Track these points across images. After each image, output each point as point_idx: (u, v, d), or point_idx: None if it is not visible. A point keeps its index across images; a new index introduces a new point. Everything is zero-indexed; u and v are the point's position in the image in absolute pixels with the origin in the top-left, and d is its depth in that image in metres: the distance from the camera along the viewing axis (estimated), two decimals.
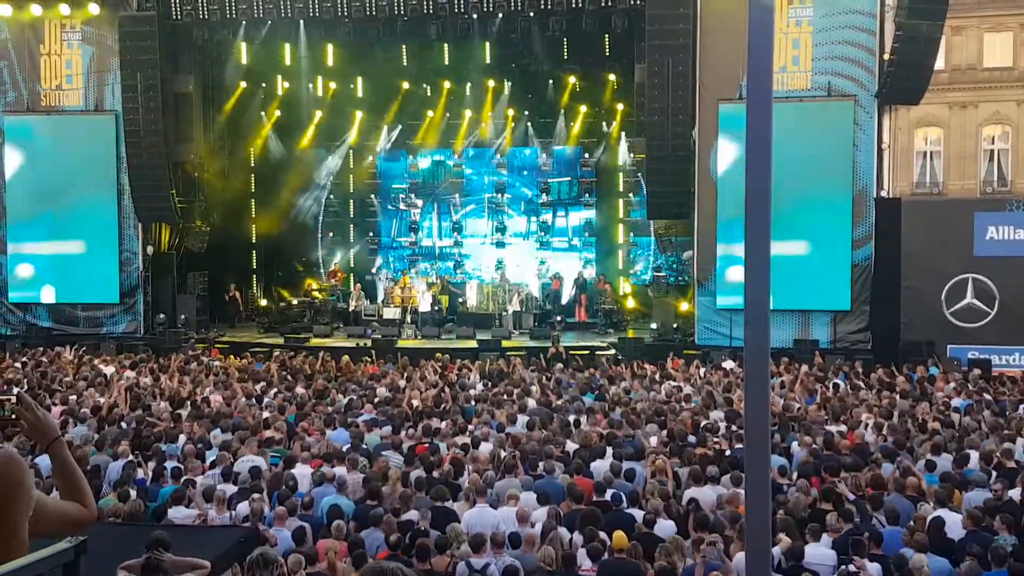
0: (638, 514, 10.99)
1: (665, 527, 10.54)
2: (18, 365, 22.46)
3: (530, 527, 10.55)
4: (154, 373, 21.23)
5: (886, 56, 24.51)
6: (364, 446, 14.06)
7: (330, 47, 29.59)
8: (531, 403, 17.44)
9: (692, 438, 14.55)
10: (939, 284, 24.55)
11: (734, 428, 14.85)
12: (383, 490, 11.56)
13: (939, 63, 27.17)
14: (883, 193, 25.80)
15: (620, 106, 31.48)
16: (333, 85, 32.62)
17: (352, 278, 34.07)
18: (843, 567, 9.28)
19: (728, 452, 13.52)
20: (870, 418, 15.76)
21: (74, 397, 17.84)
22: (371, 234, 35.39)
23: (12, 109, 28.25)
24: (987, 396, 18.15)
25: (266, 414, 16.38)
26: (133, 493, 11.36)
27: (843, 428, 15.16)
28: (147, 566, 7.36)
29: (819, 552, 9.65)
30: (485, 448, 13.88)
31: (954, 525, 10.34)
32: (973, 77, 39.48)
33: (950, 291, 24.51)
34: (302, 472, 12.55)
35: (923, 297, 24.55)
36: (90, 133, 27.96)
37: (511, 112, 33.37)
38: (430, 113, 33.68)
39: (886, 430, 14.87)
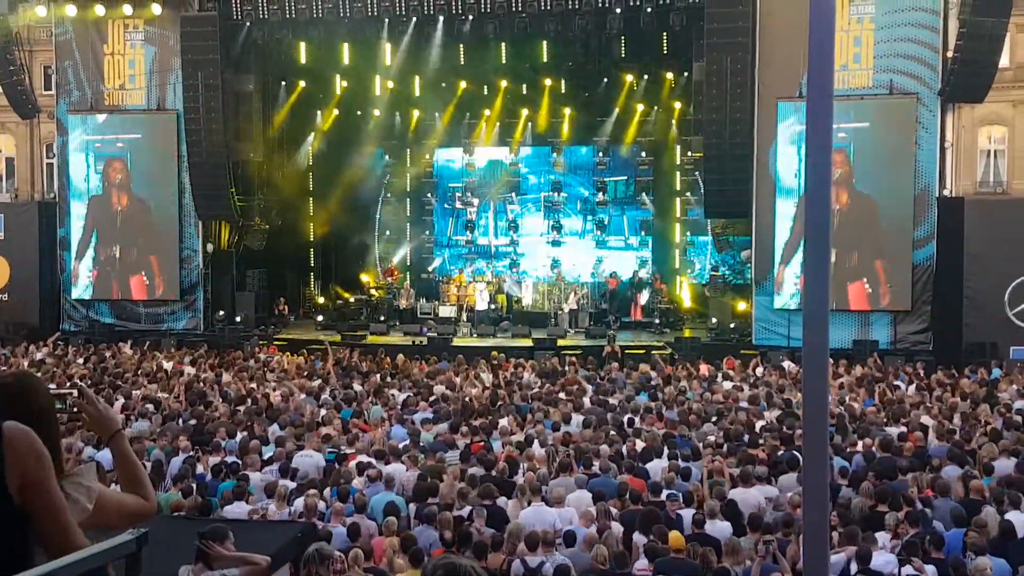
0: (690, 514, 10.93)
1: (721, 528, 10.48)
2: (81, 360, 22.85)
3: (593, 527, 10.52)
4: (214, 369, 21.50)
5: (949, 54, 24.15)
6: (422, 444, 14.13)
7: (388, 46, 29.67)
8: (586, 402, 17.41)
9: (748, 438, 14.43)
10: (1002, 285, 24.14)
11: (790, 429, 14.69)
12: (438, 488, 11.60)
13: (1003, 60, 26.66)
14: (946, 192, 25.40)
15: (678, 104, 31.28)
16: (391, 84, 32.75)
17: (408, 276, 34.20)
18: (901, 569, 9.16)
19: (781, 453, 13.38)
20: (930, 420, 15.52)
21: (137, 392, 18.12)
22: (427, 233, 35.56)
23: (76, 108, 28.75)
24: None
25: (323, 411, 16.53)
26: (193, 488, 11.55)
27: (903, 430, 14.94)
28: (198, 554, 7.46)
29: (880, 557, 9.51)
30: (540, 446, 13.88)
31: (1019, 528, 10.18)
32: None
33: (1014, 292, 24.09)
34: (357, 469, 12.64)
35: (986, 298, 24.16)
36: (152, 132, 28.39)
37: (568, 111, 33.31)
38: (487, 112, 33.70)
39: (947, 432, 14.63)
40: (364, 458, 13.11)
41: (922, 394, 18.38)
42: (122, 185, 28.55)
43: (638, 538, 10.17)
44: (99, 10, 27.74)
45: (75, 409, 3.87)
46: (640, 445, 13.94)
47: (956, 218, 24.55)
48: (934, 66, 24.44)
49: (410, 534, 10.02)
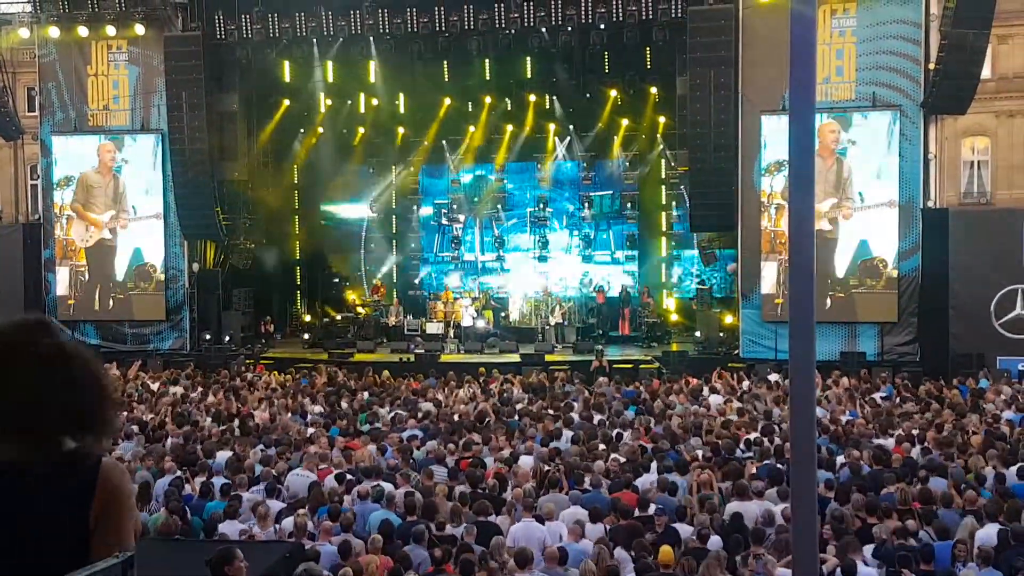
0: (683, 528, 10.90)
1: (712, 542, 10.46)
2: None
3: (583, 542, 10.48)
4: (200, 389, 21.39)
5: (931, 66, 24.27)
6: (412, 460, 14.09)
7: (372, 64, 29.65)
8: (574, 417, 17.39)
9: (738, 451, 14.43)
10: (988, 295, 24.21)
11: (778, 442, 14.69)
12: (429, 504, 11.55)
13: (985, 72, 26.84)
14: (930, 203, 25.51)
15: (662, 119, 31.29)
16: (375, 102, 32.72)
17: (395, 293, 34.15)
18: None
19: (771, 465, 13.37)
20: (918, 431, 15.55)
21: (124, 413, 18.00)
22: (413, 249, 35.55)
23: (60, 129, 28.63)
24: None
25: (311, 430, 16.46)
26: (179, 508, 11.48)
27: (891, 442, 14.97)
28: None
29: (864, 568, 9.49)
30: (528, 462, 13.84)
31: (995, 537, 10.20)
32: (1020, 86, 38.88)
33: (999, 302, 24.16)
34: (346, 487, 12.58)
35: (972, 308, 24.22)
36: (136, 152, 28.32)
37: (552, 126, 33.36)
38: (472, 128, 33.71)
39: (935, 444, 14.66)
40: (352, 476, 13.06)
41: (908, 405, 18.42)
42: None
43: (620, 553, 10.14)
44: (82, 31, 27.67)
45: None
46: (629, 460, 13.93)
47: (941, 229, 24.62)
48: (916, 78, 24.55)
49: (405, 553, 9.95)
